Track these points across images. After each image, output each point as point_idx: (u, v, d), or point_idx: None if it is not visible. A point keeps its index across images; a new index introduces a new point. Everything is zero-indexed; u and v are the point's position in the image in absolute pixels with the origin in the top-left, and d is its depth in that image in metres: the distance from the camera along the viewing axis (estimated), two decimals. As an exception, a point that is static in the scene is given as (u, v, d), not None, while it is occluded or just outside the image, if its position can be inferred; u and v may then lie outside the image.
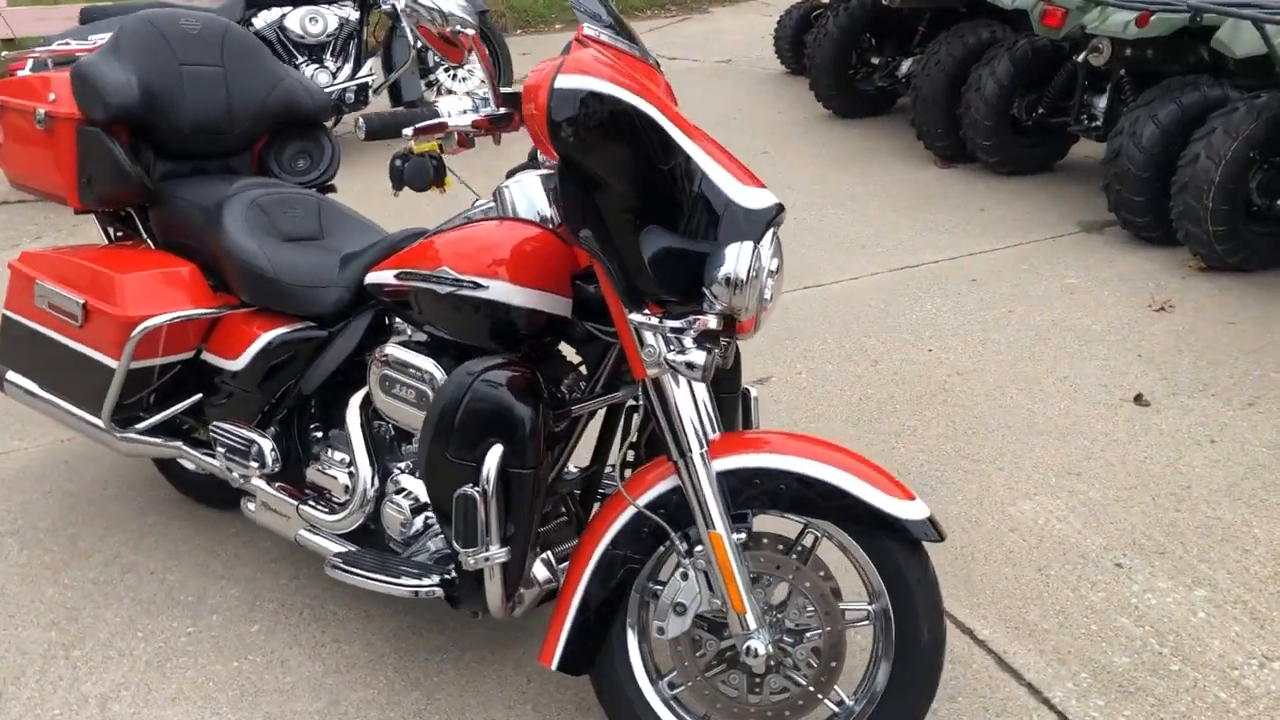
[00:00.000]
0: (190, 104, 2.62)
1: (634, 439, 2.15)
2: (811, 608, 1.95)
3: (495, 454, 1.87)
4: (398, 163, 1.82)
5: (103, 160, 2.51)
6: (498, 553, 1.89)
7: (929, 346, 3.63)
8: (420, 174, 1.83)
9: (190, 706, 2.26)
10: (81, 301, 2.44)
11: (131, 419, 2.54)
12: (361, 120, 1.87)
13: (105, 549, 2.76)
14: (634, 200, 1.75)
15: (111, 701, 2.28)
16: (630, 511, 1.92)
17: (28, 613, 2.54)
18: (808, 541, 1.97)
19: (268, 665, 2.36)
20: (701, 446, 1.87)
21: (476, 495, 1.85)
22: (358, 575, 2.11)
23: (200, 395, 2.55)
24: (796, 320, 3.83)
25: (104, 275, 2.41)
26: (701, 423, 1.89)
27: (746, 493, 1.91)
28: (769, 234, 1.82)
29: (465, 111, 1.92)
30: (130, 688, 2.32)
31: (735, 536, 1.88)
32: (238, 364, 2.41)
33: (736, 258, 1.72)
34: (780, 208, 1.82)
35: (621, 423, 2.18)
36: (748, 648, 1.86)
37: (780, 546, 1.98)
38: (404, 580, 2.09)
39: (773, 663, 1.92)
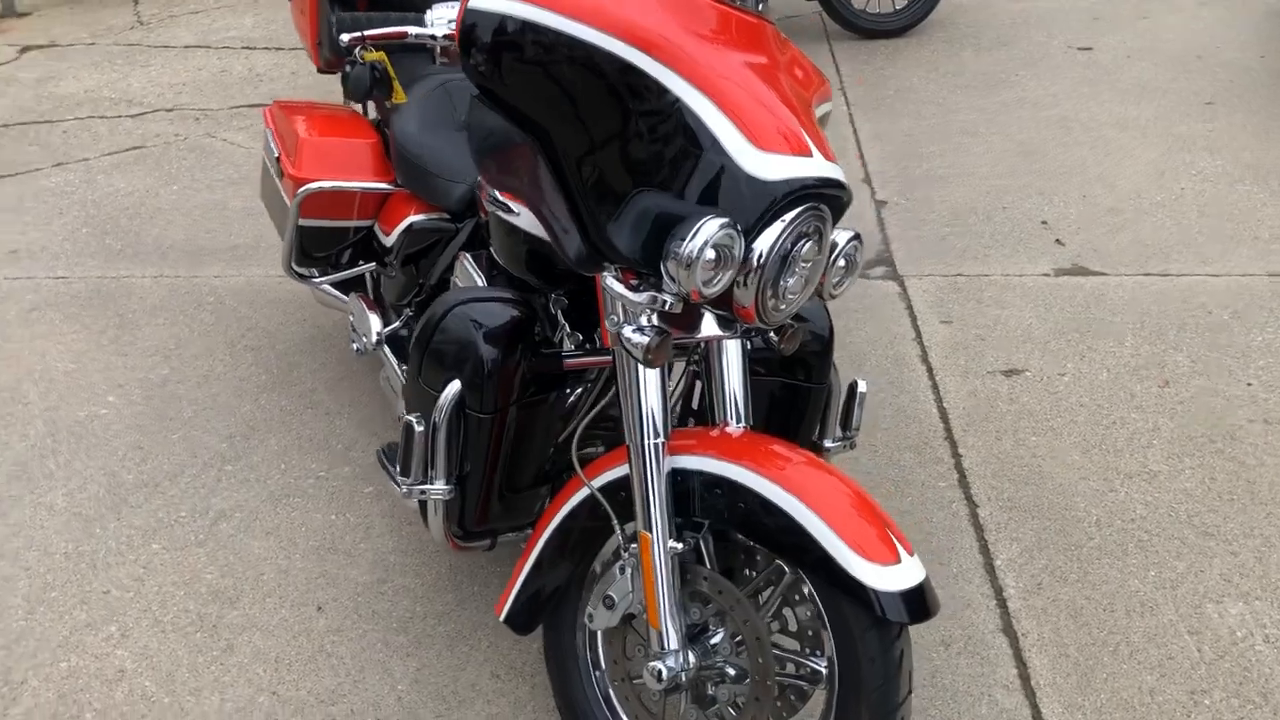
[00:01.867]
0: None
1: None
2: (744, 650, 1.69)
3: (451, 390, 1.78)
4: (346, 68, 1.72)
5: (325, 23, 2.65)
6: (437, 489, 1.82)
7: (1250, 380, 2.92)
8: (357, 84, 1.72)
9: (274, 544, 2.45)
10: (277, 155, 2.62)
11: (313, 273, 2.72)
12: (333, 17, 1.79)
13: (308, 381, 3.02)
14: (587, 148, 1.52)
15: (223, 520, 2.53)
16: (585, 490, 1.76)
17: (219, 421, 2.87)
18: (780, 576, 1.70)
19: (353, 528, 2.49)
20: (657, 436, 1.65)
21: (416, 426, 1.78)
22: (384, 469, 2.13)
23: (372, 265, 2.67)
24: (1103, 310, 3.24)
25: (296, 135, 2.56)
26: (664, 410, 1.66)
27: (705, 501, 1.67)
28: (790, 213, 1.51)
29: (450, 21, 1.76)
30: (243, 512, 2.55)
31: (671, 544, 1.65)
32: (388, 241, 2.49)
33: (694, 232, 1.44)
34: (827, 183, 1.51)
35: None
36: (652, 668, 1.66)
37: (751, 572, 1.73)
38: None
39: (682, 692, 1.71)
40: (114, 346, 3.20)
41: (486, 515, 1.89)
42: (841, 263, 1.71)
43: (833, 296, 1.75)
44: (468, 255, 2.12)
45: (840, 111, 4.69)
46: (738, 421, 1.78)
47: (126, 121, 4.94)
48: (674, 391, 2.01)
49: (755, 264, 1.50)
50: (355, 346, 2.52)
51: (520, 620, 1.86)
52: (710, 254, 1.47)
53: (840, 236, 1.70)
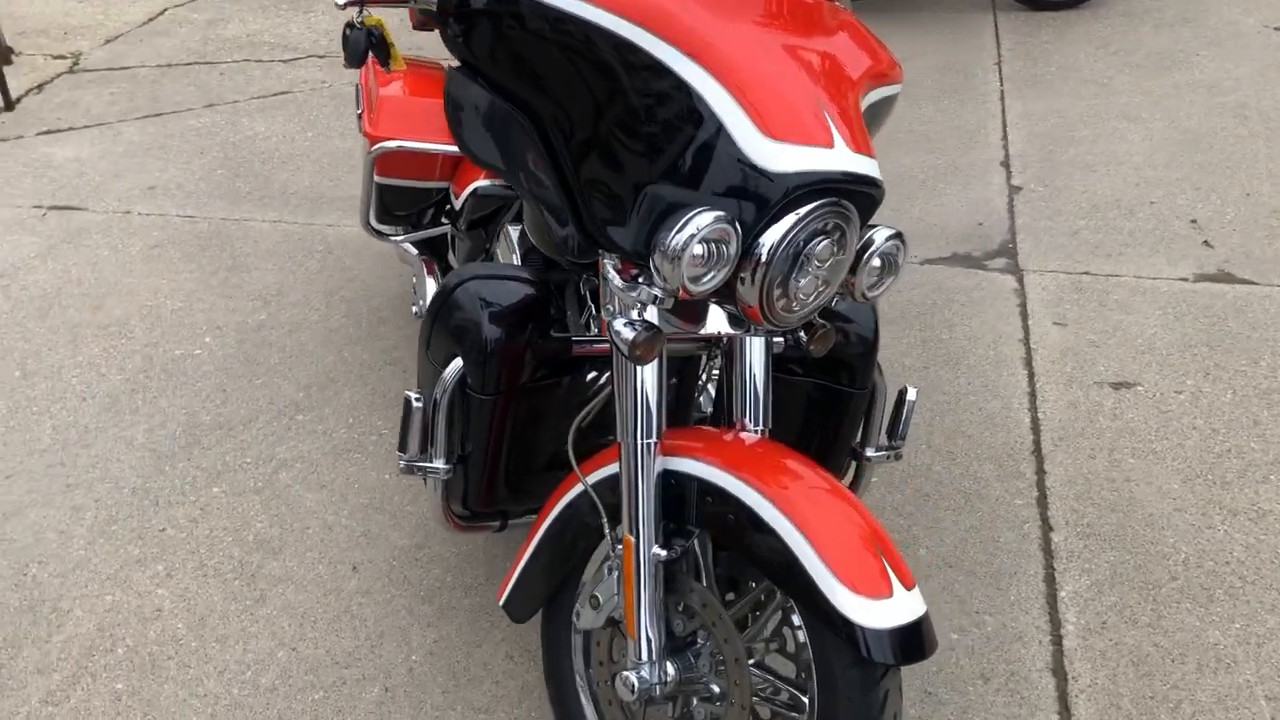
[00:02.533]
0: None
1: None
2: (723, 669, 1.59)
3: (454, 367, 1.73)
4: (346, 32, 1.65)
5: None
6: (433, 468, 1.77)
7: (1400, 415, 2.60)
8: (353, 48, 1.65)
9: (326, 498, 2.48)
10: (358, 112, 2.62)
11: (395, 230, 2.72)
12: None
13: (392, 338, 3.04)
14: (579, 130, 1.43)
15: (283, 469, 2.57)
16: (579, 485, 1.69)
17: (301, 369, 2.92)
18: (774, 596, 1.60)
19: (403, 490, 2.49)
20: (649, 436, 1.56)
21: (415, 403, 1.74)
22: None
23: (449, 227, 2.65)
24: (1241, 324, 2.94)
25: (377, 92, 2.55)
26: (658, 408, 1.57)
27: (697, 508, 1.58)
28: (803, 208, 1.39)
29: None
30: (304, 463, 2.59)
31: (656, 551, 1.57)
32: (457, 204, 2.46)
33: (682, 225, 1.34)
34: (851, 178, 1.38)
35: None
36: (625, 678, 1.58)
37: (754, 584, 1.63)
38: None
39: (661, 704, 1.63)
40: (222, 289, 3.30)
41: (493, 497, 1.84)
42: (876, 263, 1.57)
43: (865, 299, 1.61)
44: (512, 228, 2.06)
45: (991, 88, 4.42)
46: (755, 424, 1.67)
47: (279, 66, 5.08)
48: (700, 386, 1.91)
49: (760, 260, 1.39)
50: (414, 309, 2.50)
51: (517, 608, 1.81)
52: (698, 249, 1.36)
53: (878, 235, 1.57)
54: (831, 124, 1.45)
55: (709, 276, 1.39)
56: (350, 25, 1.62)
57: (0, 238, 3.62)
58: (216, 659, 2.10)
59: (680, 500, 1.59)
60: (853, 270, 1.54)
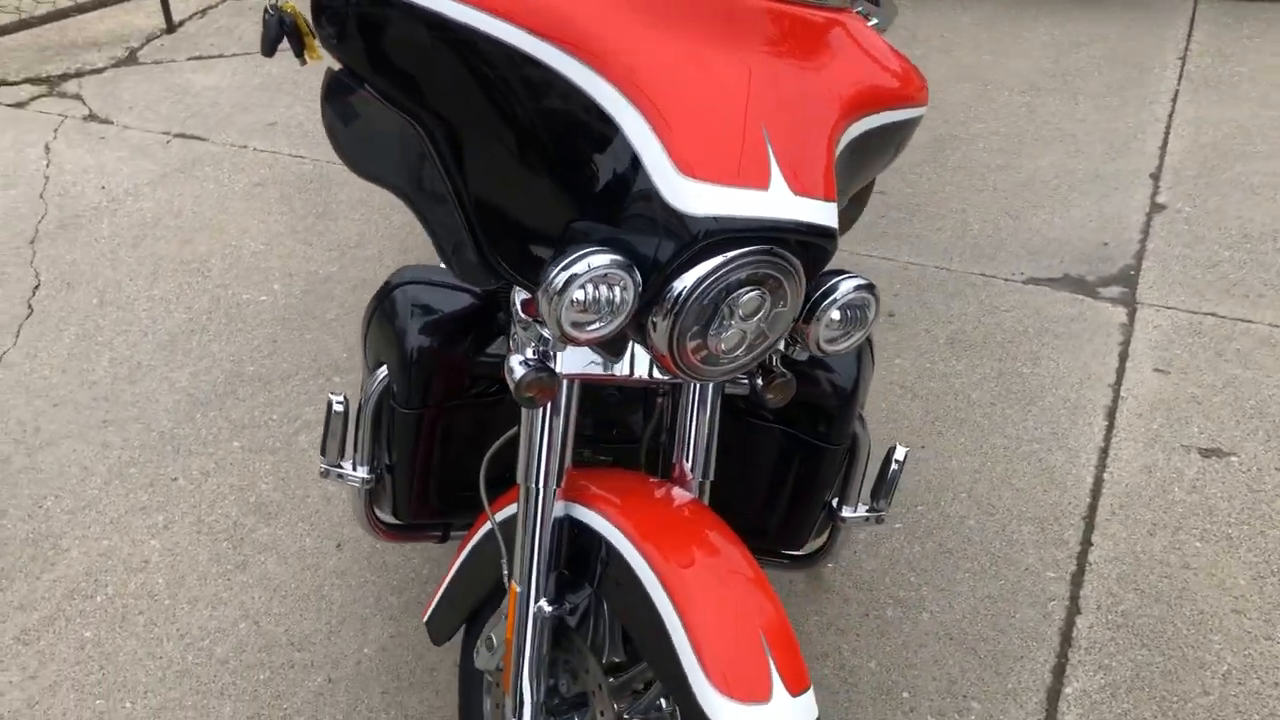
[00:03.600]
0: None
1: None
2: (599, 742, 1.47)
3: (378, 376, 1.64)
4: (265, 15, 1.52)
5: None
6: (354, 474, 1.70)
7: None
8: (266, 35, 1.52)
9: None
10: None
11: None
12: None
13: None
14: (473, 147, 1.30)
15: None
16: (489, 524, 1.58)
17: (351, 328, 2.90)
18: None
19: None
20: (543, 482, 1.43)
21: (335, 406, 1.66)
22: None
23: None
24: (1380, 397, 2.55)
25: None
26: (560, 451, 1.43)
27: (594, 566, 1.45)
28: (723, 255, 1.22)
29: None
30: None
31: (542, 605, 1.45)
32: None
33: (561, 266, 1.20)
34: (787, 226, 1.21)
35: None
36: None
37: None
38: None
39: None
40: (305, 235, 3.32)
41: (425, 509, 1.75)
42: (836, 315, 1.39)
43: (823, 353, 1.44)
44: None
45: (1165, 86, 3.98)
46: (696, 473, 1.52)
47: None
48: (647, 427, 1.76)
49: (668, 309, 1.24)
50: None
51: (437, 628, 1.73)
52: (579, 294, 1.21)
53: (843, 284, 1.39)
54: (774, 162, 1.28)
55: (595, 324, 1.25)
56: (267, 9, 1.52)
57: (124, 161, 3.75)
58: (182, 621, 2.11)
59: (584, 553, 1.47)
60: (810, 318, 1.37)
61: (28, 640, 2.07)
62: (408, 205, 1.36)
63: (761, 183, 1.25)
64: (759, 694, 1.28)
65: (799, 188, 1.28)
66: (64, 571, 2.22)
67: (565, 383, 1.41)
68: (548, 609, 1.45)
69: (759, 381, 1.51)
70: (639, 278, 1.24)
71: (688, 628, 1.31)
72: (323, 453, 1.69)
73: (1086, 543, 2.21)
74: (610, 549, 1.41)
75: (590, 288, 1.21)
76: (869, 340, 1.77)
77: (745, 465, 1.77)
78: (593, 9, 1.27)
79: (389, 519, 1.78)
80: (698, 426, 1.51)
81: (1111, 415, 2.53)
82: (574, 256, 1.20)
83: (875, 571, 2.17)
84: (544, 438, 1.42)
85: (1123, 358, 2.71)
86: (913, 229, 3.23)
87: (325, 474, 1.70)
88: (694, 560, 1.38)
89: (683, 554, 1.39)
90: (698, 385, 1.50)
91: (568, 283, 1.19)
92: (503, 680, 1.48)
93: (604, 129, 1.26)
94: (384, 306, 1.64)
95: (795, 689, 1.30)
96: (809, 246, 1.28)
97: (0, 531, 2.31)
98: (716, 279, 1.23)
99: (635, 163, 1.24)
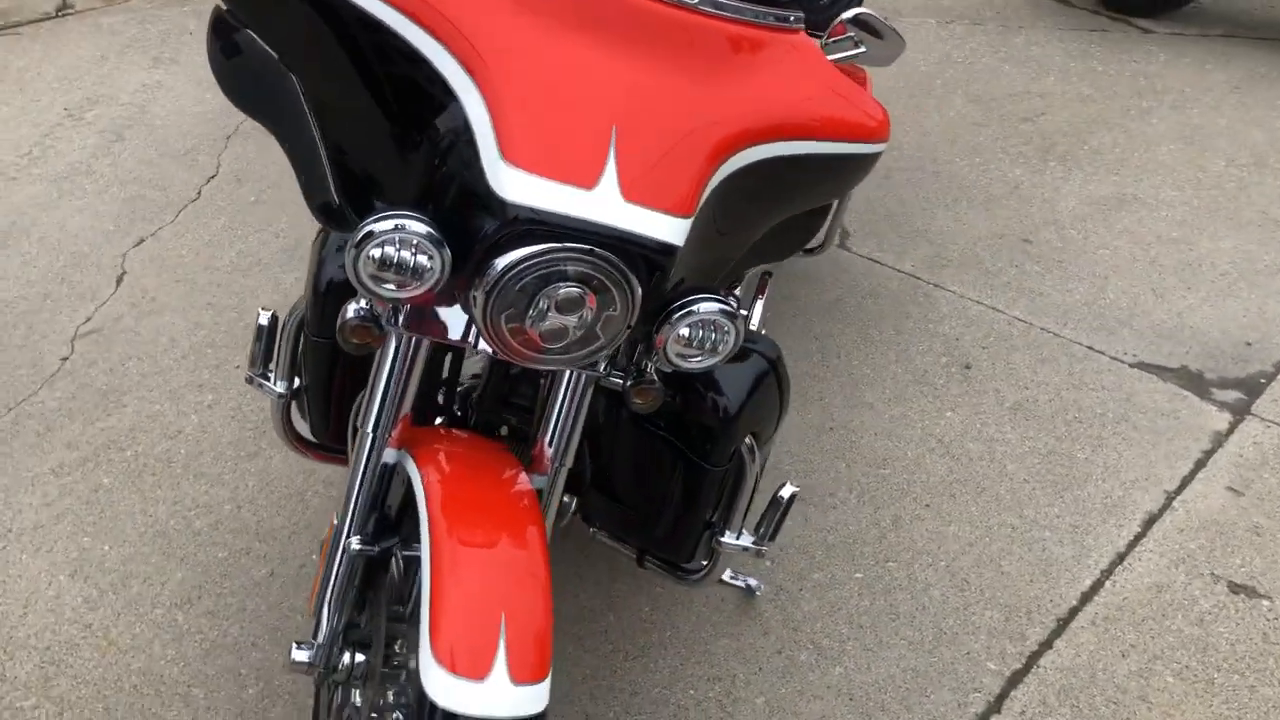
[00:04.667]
0: None
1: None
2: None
3: (303, 303, 1.75)
4: None
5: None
6: (272, 386, 1.82)
7: None
8: None
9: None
10: None
11: None
12: None
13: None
14: (335, 101, 1.38)
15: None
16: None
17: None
18: None
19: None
20: (370, 427, 1.50)
21: (262, 320, 1.79)
22: None
23: None
24: None
25: None
26: (392, 401, 1.49)
27: (402, 515, 1.53)
28: (535, 247, 1.26)
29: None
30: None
31: (349, 540, 1.53)
32: None
33: (375, 219, 1.27)
34: (614, 232, 1.23)
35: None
36: (292, 648, 1.57)
37: None
38: None
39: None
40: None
41: (328, 433, 1.86)
42: (684, 332, 1.40)
43: (674, 367, 1.44)
44: None
45: None
46: (555, 458, 1.55)
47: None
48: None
49: (485, 286, 1.29)
50: None
51: None
52: (375, 251, 1.28)
53: (701, 305, 1.39)
54: (612, 166, 1.30)
55: (394, 285, 1.31)
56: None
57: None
58: (181, 490, 2.34)
59: (405, 505, 1.54)
60: (660, 329, 1.38)
61: (59, 473, 2.36)
62: (278, 141, 1.46)
63: (586, 182, 1.27)
64: (475, 672, 1.31)
65: (634, 195, 1.29)
66: (114, 423, 2.50)
67: (407, 340, 1.46)
68: (355, 546, 1.53)
69: (628, 383, 1.52)
70: (448, 252, 1.29)
71: (434, 595, 1.35)
72: (250, 362, 1.83)
73: (1046, 645, 2.05)
74: (415, 507, 1.47)
75: (391, 249, 1.28)
76: (778, 376, 1.72)
77: (636, 469, 1.77)
78: (459, 7, 1.31)
79: (307, 435, 1.91)
80: (562, 413, 1.53)
81: (1150, 523, 2.31)
82: (382, 216, 1.27)
83: (811, 613, 2.10)
84: (380, 388, 1.49)
85: (1198, 465, 2.45)
86: (1040, 284, 3.03)
87: (249, 380, 1.84)
88: (473, 539, 1.42)
89: (467, 530, 1.42)
90: (571, 374, 1.52)
91: (365, 238, 1.27)
92: (308, 603, 1.57)
93: (449, 105, 1.32)
94: (322, 236, 1.75)
95: (520, 678, 1.32)
96: (640, 255, 1.29)
97: (85, 378, 2.62)
98: (529, 267, 1.27)
99: (470, 142, 1.29)
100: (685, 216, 1.31)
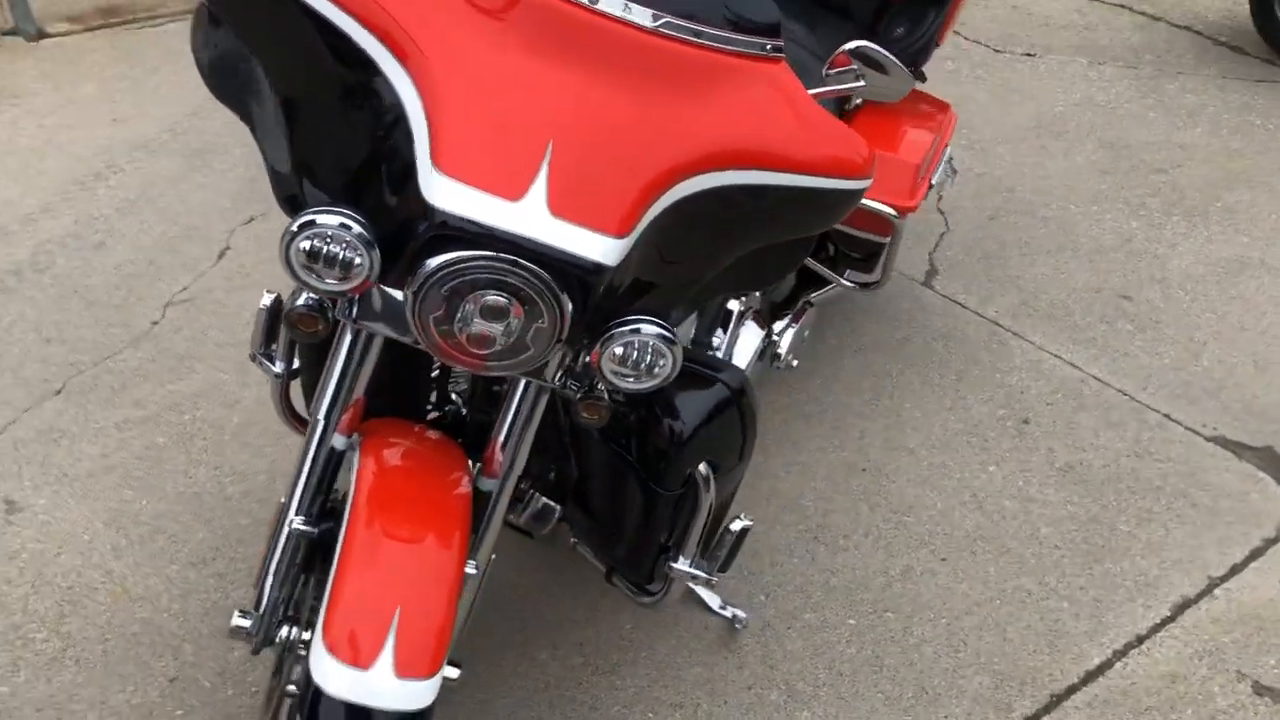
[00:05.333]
0: None
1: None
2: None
3: None
4: None
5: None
6: (271, 366, 1.89)
7: None
8: None
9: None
10: None
11: None
12: None
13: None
14: (297, 95, 1.44)
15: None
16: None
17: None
18: None
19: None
20: (317, 413, 1.56)
21: (266, 300, 1.85)
22: None
23: None
24: None
25: None
26: (342, 389, 1.54)
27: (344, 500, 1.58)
28: (457, 253, 1.30)
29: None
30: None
31: (295, 519, 1.59)
32: None
33: (306, 214, 1.33)
34: (537, 247, 1.24)
35: None
36: (233, 614, 1.64)
37: None
38: None
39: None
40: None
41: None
42: (618, 350, 1.41)
43: (612, 386, 1.44)
44: None
45: None
46: (505, 461, 1.58)
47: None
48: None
49: (414, 286, 1.34)
50: None
51: None
52: (304, 244, 1.34)
53: (642, 328, 1.40)
54: (543, 180, 1.31)
55: (315, 277, 1.36)
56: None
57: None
58: (225, 456, 2.47)
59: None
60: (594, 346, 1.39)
61: (121, 428, 2.53)
62: (251, 133, 1.54)
63: (512, 194, 1.29)
64: (359, 660, 1.35)
65: (562, 210, 1.29)
66: (181, 388, 2.66)
67: (358, 334, 1.50)
68: (298, 526, 1.59)
69: (578, 396, 1.53)
70: (377, 253, 1.34)
71: (336, 580, 1.41)
72: (252, 342, 1.92)
73: (1033, 720, 1.94)
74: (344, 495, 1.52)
75: (319, 243, 1.33)
76: (740, 408, 1.70)
77: (604, 485, 1.78)
78: (413, 13, 1.35)
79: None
80: (514, 420, 1.56)
81: (1183, 608, 2.16)
82: (318, 211, 1.33)
83: (792, 652, 2.06)
84: (334, 377, 1.55)
85: (1255, 554, 2.28)
86: (1129, 344, 2.88)
87: (252, 359, 1.93)
88: (390, 531, 1.46)
89: (387, 521, 1.46)
90: (526, 382, 1.55)
91: (298, 230, 1.32)
92: (255, 576, 1.64)
93: (392, 106, 1.36)
94: None
95: (405, 672, 1.35)
96: (568, 271, 1.30)
97: (168, 343, 2.79)
98: (452, 273, 1.30)
99: (409, 145, 1.33)
100: (618, 236, 1.30)
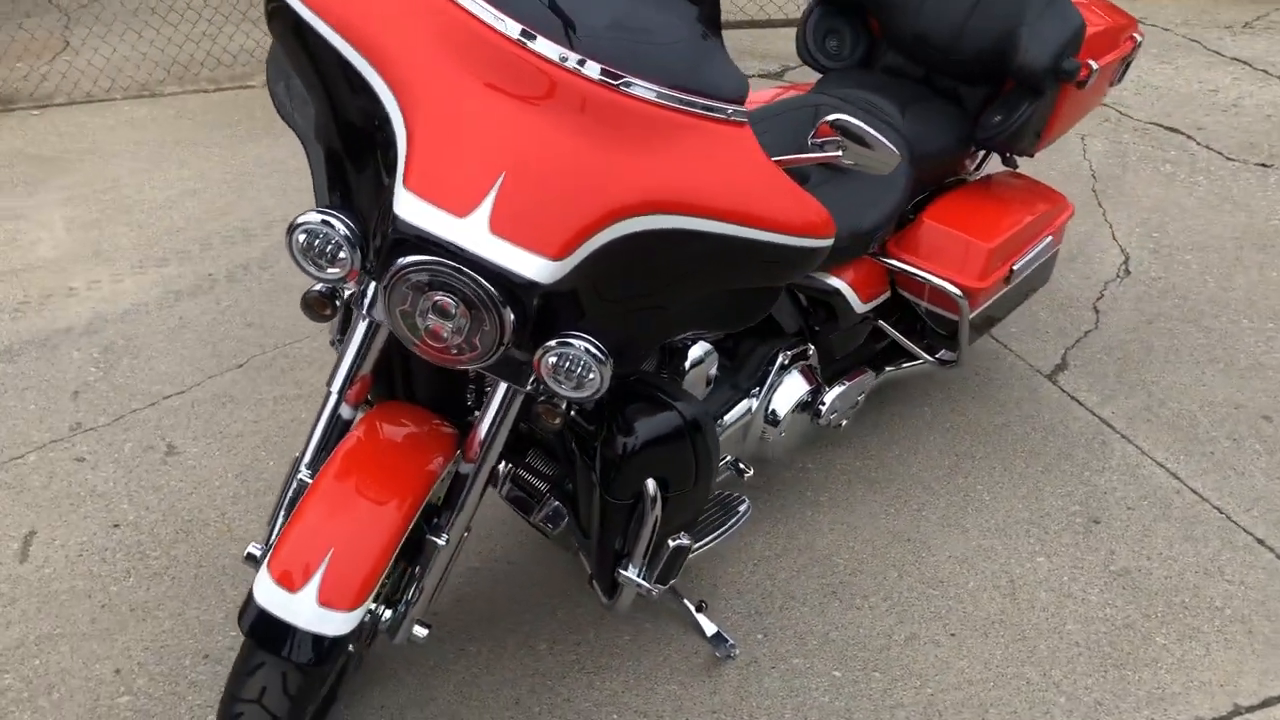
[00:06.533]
0: (928, 7, 2.57)
1: None
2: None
3: None
4: None
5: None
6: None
7: None
8: None
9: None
10: None
11: None
12: None
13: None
14: (328, 118, 1.74)
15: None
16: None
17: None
18: None
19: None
20: (331, 385, 1.85)
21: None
22: None
23: None
24: None
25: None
26: (349, 366, 1.83)
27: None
28: (411, 258, 1.58)
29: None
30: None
31: (304, 471, 1.88)
32: None
33: (308, 212, 1.65)
34: (471, 258, 1.47)
35: None
36: (248, 547, 1.93)
37: None
38: None
39: None
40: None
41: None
42: (553, 360, 1.63)
43: (558, 390, 1.66)
44: None
45: None
46: (480, 451, 1.82)
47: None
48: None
49: (383, 280, 1.62)
50: None
51: None
52: (300, 237, 1.65)
53: (574, 342, 1.62)
54: (490, 202, 1.54)
55: (314, 267, 1.67)
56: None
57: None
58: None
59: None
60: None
61: (277, 401, 2.96)
62: (305, 145, 1.87)
63: (460, 211, 1.53)
64: (289, 584, 1.63)
65: (501, 229, 1.52)
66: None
67: (369, 321, 1.79)
68: (304, 478, 1.88)
69: (538, 400, 1.76)
70: (358, 253, 1.64)
71: (292, 517, 1.70)
72: (330, 330, 2.26)
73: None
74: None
75: (310, 238, 1.64)
76: (692, 437, 1.84)
77: (582, 494, 1.97)
78: (413, 43, 1.64)
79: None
80: (490, 416, 1.80)
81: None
82: (316, 210, 1.64)
83: (767, 690, 2.15)
84: (347, 357, 1.84)
85: (1299, 693, 2.14)
86: (1250, 465, 2.74)
87: (332, 343, 2.26)
88: (347, 486, 1.72)
89: (349, 474, 1.73)
90: (503, 385, 1.79)
91: (295, 226, 1.64)
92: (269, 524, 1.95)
93: (390, 135, 1.65)
94: None
95: (326, 602, 1.62)
96: (505, 284, 1.52)
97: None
98: (408, 272, 1.56)
99: (393, 166, 1.62)
100: (553, 259, 1.51)
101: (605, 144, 1.58)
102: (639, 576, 1.91)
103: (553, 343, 1.59)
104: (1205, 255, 3.65)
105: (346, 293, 1.76)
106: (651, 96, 1.59)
